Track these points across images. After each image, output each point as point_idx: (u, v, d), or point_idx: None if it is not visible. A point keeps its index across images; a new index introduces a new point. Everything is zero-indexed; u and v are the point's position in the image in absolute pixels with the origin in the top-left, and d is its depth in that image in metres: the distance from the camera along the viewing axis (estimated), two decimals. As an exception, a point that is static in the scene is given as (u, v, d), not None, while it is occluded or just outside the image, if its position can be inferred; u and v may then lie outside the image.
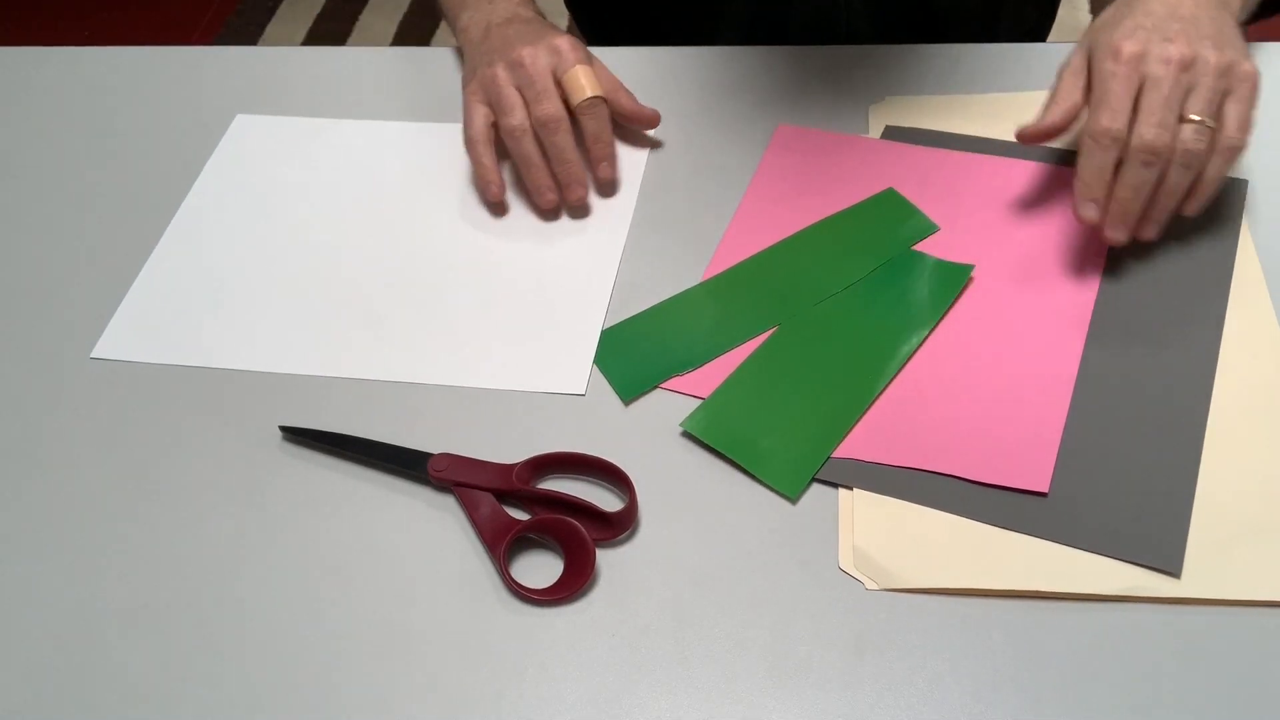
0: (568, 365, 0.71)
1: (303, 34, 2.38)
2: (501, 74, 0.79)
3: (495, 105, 0.79)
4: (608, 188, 0.82)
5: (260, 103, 0.92)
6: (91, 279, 0.80)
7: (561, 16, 1.50)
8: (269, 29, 2.40)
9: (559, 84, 0.79)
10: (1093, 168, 0.68)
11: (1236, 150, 0.67)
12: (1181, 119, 0.66)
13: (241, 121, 0.90)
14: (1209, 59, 0.67)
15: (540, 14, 0.87)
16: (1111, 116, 0.66)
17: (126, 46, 0.98)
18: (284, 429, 0.69)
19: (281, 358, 0.74)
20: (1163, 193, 0.68)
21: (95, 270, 0.81)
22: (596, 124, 0.79)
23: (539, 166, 0.78)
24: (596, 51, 0.93)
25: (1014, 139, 0.73)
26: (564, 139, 0.78)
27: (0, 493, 0.69)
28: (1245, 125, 0.67)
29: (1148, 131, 0.66)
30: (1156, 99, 0.66)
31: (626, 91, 0.83)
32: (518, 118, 0.78)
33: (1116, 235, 0.69)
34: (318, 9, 2.44)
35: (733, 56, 0.90)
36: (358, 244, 0.80)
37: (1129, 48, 0.67)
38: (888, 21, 0.95)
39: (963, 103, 0.85)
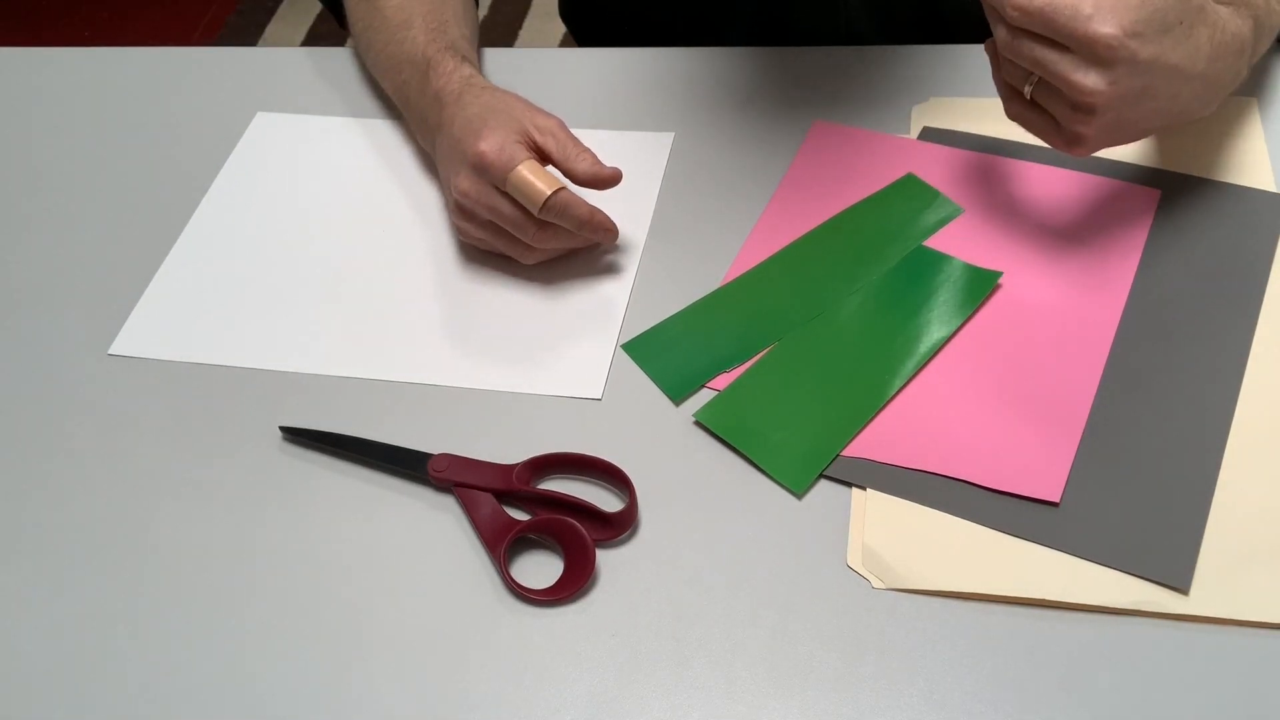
0: (585, 369, 0.71)
1: (303, 34, 2.38)
2: (465, 227, 0.75)
3: (496, 249, 0.76)
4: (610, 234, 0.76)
5: (278, 102, 0.92)
6: (111, 276, 0.80)
7: (554, 18, 1.52)
8: (269, 29, 2.40)
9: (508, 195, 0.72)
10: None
11: None
12: None
13: (262, 120, 0.90)
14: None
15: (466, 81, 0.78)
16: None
17: (147, 47, 0.98)
18: (284, 429, 0.69)
19: (300, 357, 0.74)
20: None
21: (115, 267, 0.81)
22: (568, 219, 0.72)
23: (573, 237, 0.75)
24: (598, 53, 0.93)
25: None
26: (562, 238, 0.74)
27: (17, 486, 0.69)
28: None
29: None
30: None
31: (579, 151, 0.73)
32: (523, 242, 0.74)
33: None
34: (318, 9, 2.44)
35: (761, 56, 0.89)
36: (376, 244, 0.80)
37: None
38: (892, 23, 0.95)
39: None
